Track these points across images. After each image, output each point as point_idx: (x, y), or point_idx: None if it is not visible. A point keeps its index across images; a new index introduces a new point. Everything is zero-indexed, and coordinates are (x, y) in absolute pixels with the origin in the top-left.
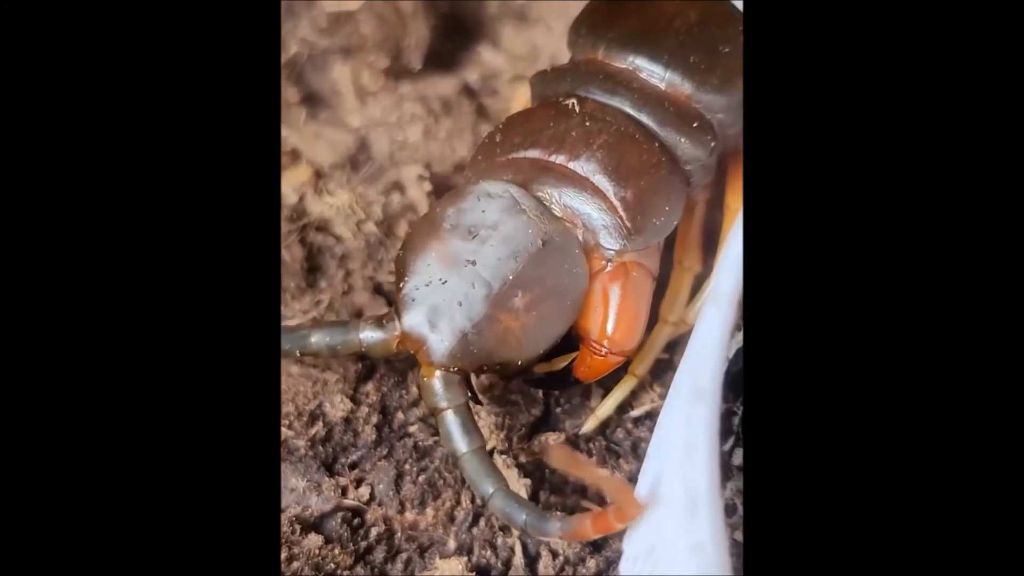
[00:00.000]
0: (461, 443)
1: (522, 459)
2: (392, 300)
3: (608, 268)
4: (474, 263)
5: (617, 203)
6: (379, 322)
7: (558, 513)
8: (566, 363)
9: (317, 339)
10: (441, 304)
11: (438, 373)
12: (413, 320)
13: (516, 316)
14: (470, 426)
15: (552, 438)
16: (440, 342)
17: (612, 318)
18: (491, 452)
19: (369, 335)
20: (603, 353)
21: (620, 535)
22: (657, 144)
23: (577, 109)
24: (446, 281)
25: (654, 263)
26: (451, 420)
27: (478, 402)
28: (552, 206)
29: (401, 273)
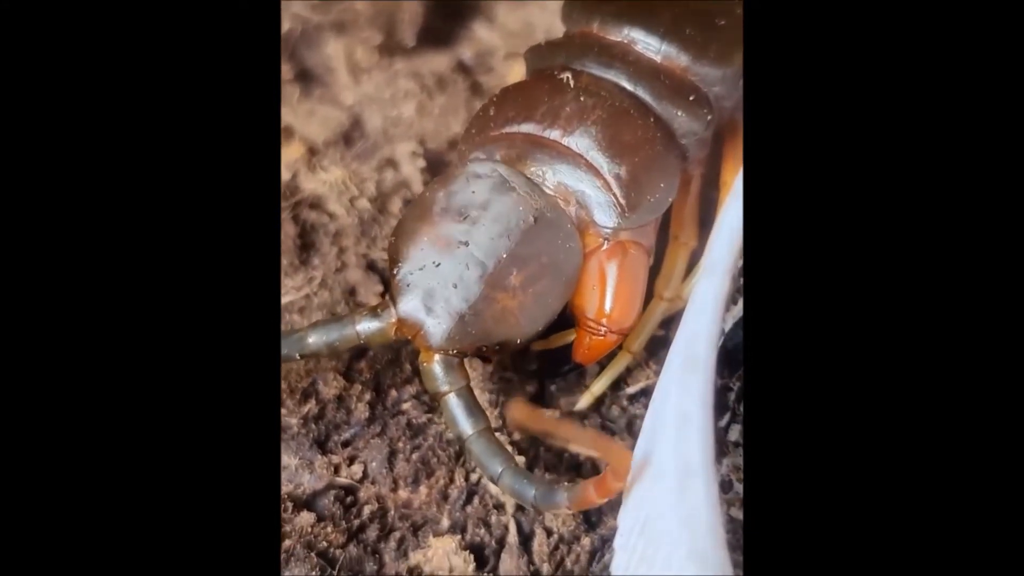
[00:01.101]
0: (466, 425)
1: (516, 436)
2: (385, 278)
3: (605, 247)
4: (467, 244)
5: (611, 180)
6: (375, 311)
7: (565, 484)
8: (564, 341)
9: (315, 339)
10: (436, 287)
11: (437, 357)
12: (408, 305)
13: (512, 294)
14: (474, 407)
15: (547, 414)
16: (437, 325)
17: (610, 296)
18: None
19: (366, 326)
20: (602, 333)
21: (615, 511)
22: (652, 119)
23: (572, 83)
24: (440, 264)
25: (650, 239)
26: (454, 403)
27: (488, 360)
28: (545, 182)
29: (394, 260)
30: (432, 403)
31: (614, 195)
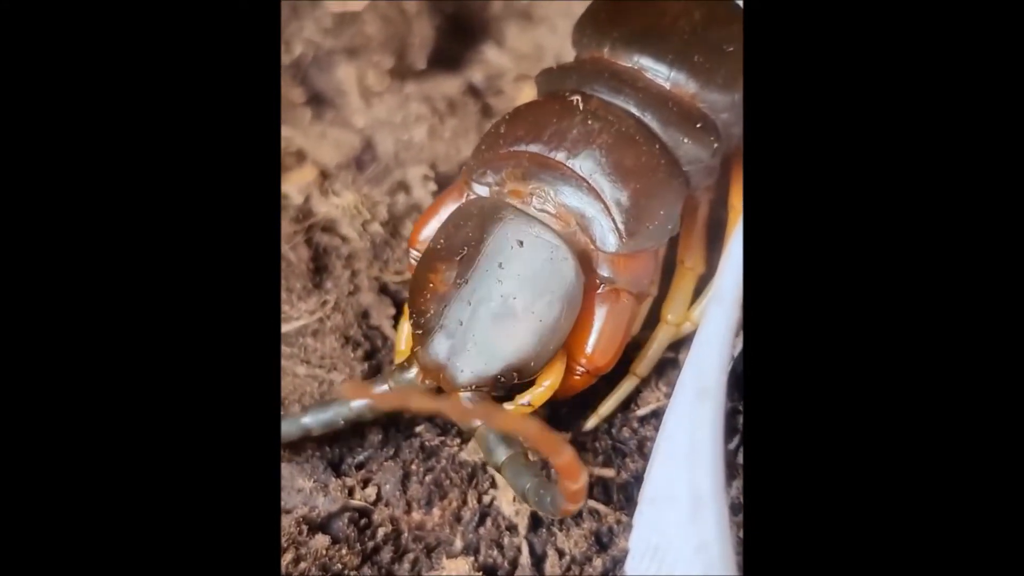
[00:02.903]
0: (500, 454)
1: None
2: (398, 300)
3: (601, 290)
4: (466, 281)
5: (611, 205)
6: (402, 367)
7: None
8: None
9: (356, 403)
10: (448, 329)
11: (463, 395)
12: (427, 352)
13: (517, 319)
14: (504, 436)
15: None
16: (454, 365)
17: (593, 338)
18: None
19: (395, 381)
20: (578, 373)
21: (627, 532)
22: (658, 146)
23: (581, 106)
24: (447, 305)
25: (641, 285)
26: (485, 434)
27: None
28: (548, 203)
29: (410, 314)
30: (444, 425)
31: (613, 220)
